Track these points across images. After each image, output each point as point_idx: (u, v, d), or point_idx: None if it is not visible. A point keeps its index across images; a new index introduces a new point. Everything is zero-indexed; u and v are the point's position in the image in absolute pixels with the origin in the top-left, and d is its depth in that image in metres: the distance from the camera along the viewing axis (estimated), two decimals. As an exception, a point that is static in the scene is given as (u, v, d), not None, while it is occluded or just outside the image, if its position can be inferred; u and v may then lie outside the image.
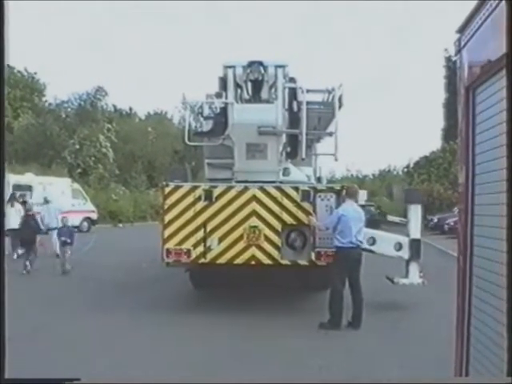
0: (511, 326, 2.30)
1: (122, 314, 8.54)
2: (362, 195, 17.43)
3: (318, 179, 12.06)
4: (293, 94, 9.32)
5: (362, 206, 16.39)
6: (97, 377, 5.35)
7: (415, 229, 9.16)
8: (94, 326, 7.89)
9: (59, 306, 9.37)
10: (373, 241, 8.98)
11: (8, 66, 37.93)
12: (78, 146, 37.82)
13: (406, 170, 39.88)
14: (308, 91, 9.49)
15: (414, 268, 9.08)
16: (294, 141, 9.35)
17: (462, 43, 3.12)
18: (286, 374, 5.82)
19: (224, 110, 9.28)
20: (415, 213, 9.27)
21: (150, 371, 5.83)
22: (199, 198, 8.54)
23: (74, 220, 27.02)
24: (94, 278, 12.22)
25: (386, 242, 9.14)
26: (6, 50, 2.64)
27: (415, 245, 9.04)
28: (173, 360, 6.29)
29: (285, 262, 8.54)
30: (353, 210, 8.11)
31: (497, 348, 2.50)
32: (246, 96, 9.57)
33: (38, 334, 7.45)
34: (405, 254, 9.04)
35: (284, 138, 9.29)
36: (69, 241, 13.20)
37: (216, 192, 8.57)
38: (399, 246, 9.04)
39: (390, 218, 13.17)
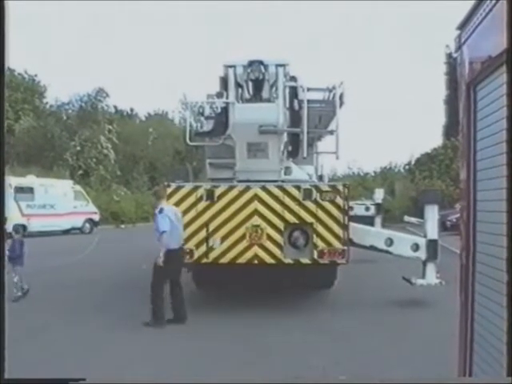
0: (511, 324, 2.30)
1: (123, 314, 8.55)
2: (379, 193, 17.27)
3: (320, 177, 12.07)
4: (294, 92, 9.30)
5: (378, 205, 16.24)
6: (102, 377, 5.35)
7: (432, 229, 9.12)
8: (93, 326, 7.88)
9: (63, 305, 9.39)
10: (390, 242, 8.96)
11: (8, 68, 37.94)
12: (79, 148, 37.79)
13: (407, 167, 39.79)
14: (309, 89, 9.50)
15: (431, 269, 9.04)
16: (295, 139, 9.34)
17: (463, 39, 3.11)
18: (289, 373, 5.82)
19: (225, 110, 9.27)
20: (432, 213, 9.21)
21: (153, 370, 5.84)
22: (201, 198, 8.55)
23: (77, 222, 27.17)
24: (95, 280, 12.22)
25: (403, 243, 9.12)
26: (6, 50, 2.63)
27: (432, 245, 9.00)
28: (175, 359, 6.29)
29: (287, 260, 8.53)
30: (173, 212, 8.10)
31: (501, 345, 2.50)
32: (246, 95, 9.55)
33: (36, 336, 7.42)
34: (422, 254, 8.99)
35: (285, 137, 9.28)
36: (13, 257, 9.48)
37: (218, 192, 8.57)
38: (416, 247, 9.01)
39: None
